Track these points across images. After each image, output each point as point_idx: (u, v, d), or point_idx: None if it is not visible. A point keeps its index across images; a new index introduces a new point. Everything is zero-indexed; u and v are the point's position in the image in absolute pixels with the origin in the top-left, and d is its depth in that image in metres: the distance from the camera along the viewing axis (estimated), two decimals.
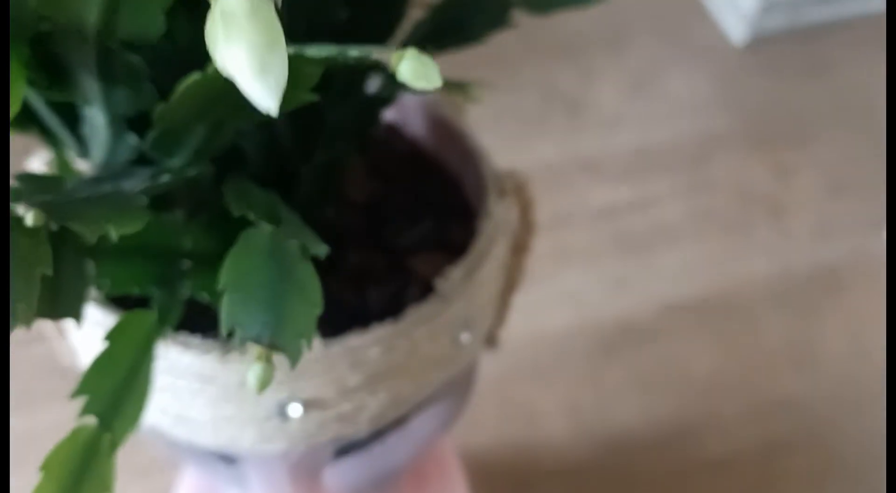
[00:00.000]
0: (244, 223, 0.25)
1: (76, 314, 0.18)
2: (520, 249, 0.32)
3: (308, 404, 0.25)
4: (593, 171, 0.81)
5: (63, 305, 0.17)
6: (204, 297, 0.23)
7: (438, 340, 0.26)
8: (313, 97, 0.17)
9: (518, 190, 0.29)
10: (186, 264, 0.23)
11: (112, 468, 0.19)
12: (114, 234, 0.15)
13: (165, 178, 0.18)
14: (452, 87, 0.23)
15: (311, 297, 0.16)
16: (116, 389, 0.19)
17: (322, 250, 0.18)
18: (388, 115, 0.35)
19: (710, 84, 0.91)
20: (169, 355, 0.24)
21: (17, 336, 0.17)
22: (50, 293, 0.17)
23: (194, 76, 0.15)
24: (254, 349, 0.16)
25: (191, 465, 0.33)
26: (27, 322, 0.16)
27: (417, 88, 0.15)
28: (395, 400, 0.26)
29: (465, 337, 0.27)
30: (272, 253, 0.17)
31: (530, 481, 0.61)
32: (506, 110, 0.87)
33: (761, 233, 0.77)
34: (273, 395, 0.24)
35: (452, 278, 0.26)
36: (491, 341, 0.35)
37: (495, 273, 0.29)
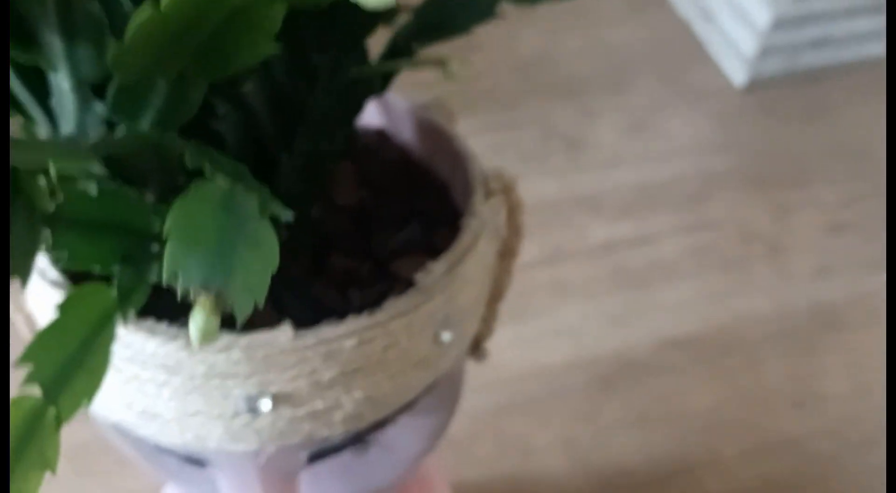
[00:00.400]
0: None
1: (23, 272, 0.17)
2: (507, 253, 0.31)
3: (278, 400, 0.24)
4: (592, 207, 0.81)
5: (12, 261, 0.16)
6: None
7: (417, 335, 0.25)
8: (275, 49, 0.17)
9: (506, 191, 0.29)
10: (155, 247, 0.22)
11: (56, 444, 0.18)
12: (52, 170, 0.15)
13: (121, 132, 0.18)
14: (431, 60, 0.23)
15: (266, 254, 0.16)
16: (66, 362, 0.18)
17: (286, 214, 0.17)
18: (378, 121, 0.35)
19: (709, 125, 0.91)
20: (134, 343, 0.23)
21: None
22: None
23: (145, 11, 0.14)
24: (198, 299, 0.15)
25: (160, 471, 0.32)
26: None
27: None
28: (371, 400, 0.26)
29: (446, 336, 0.26)
30: (226, 206, 0.16)
31: None
32: (505, 147, 0.88)
33: (760, 271, 0.76)
34: (241, 388, 0.24)
35: (433, 271, 0.25)
36: (477, 351, 0.35)
37: (480, 274, 0.28)
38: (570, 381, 0.67)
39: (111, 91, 0.18)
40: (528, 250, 0.76)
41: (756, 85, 0.96)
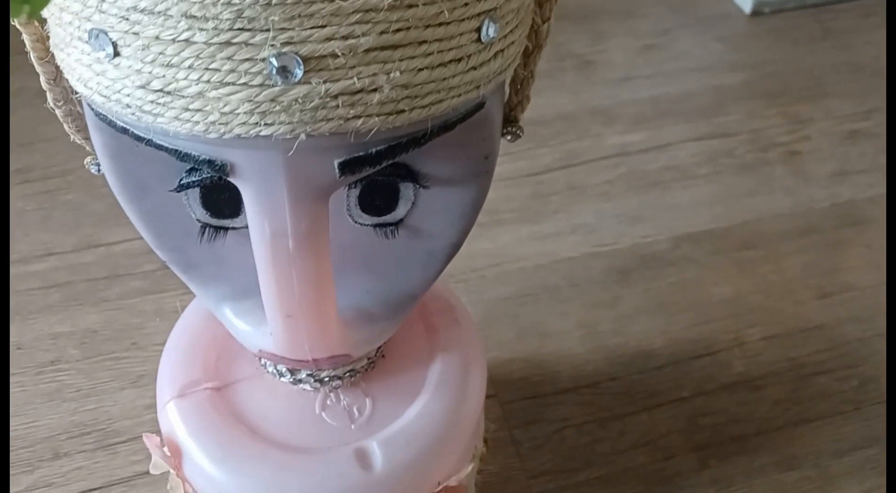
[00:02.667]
0: None
1: None
2: None
3: (311, 67, 0.23)
4: (606, 119, 0.80)
5: None
6: None
7: (461, 17, 0.24)
8: None
9: None
10: None
11: None
12: None
13: None
14: None
15: None
16: None
17: None
18: None
19: (720, 47, 0.90)
20: None
21: None
22: None
23: None
24: None
25: (172, 230, 0.31)
26: None
27: None
28: (409, 90, 0.24)
29: (490, 31, 0.25)
30: None
31: (545, 395, 0.57)
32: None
33: (779, 173, 0.75)
34: (271, 48, 0.22)
35: None
36: (511, 122, 0.33)
37: None
38: (587, 272, 0.66)
39: None
40: (543, 158, 0.75)
41: (764, 11, 0.95)
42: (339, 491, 0.35)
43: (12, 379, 0.58)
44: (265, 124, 0.24)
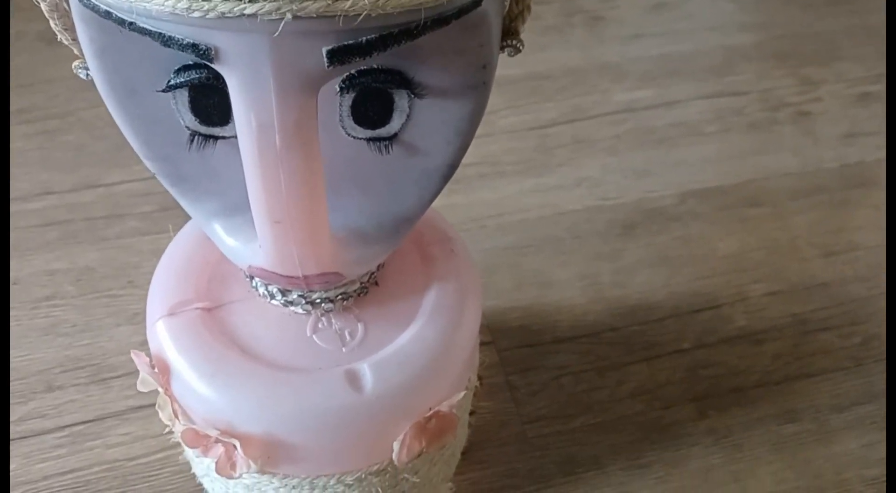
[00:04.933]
0: None
1: None
2: None
3: None
4: (615, 74, 0.79)
5: None
6: None
7: None
8: None
9: None
10: None
11: None
12: None
13: None
14: None
15: None
16: None
17: None
18: None
19: (731, 6, 0.89)
20: None
21: None
22: None
23: None
24: None
25: (159, 133, 0.30)
26: None
27: None
28: None
29: None
30: None
31: (543, 344, 0.57)
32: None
33: (788, 132, 0.74)
34: None
35: None
36: (511, 34, 0.32)
37: None
38: (590, 225, 0.65)
39: None
40: (549, 112, 0.74)
41: None
42: (329, 410, 0.34)
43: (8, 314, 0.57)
44: (249, 2, 0.23)
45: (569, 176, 0.69)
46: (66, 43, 0.31)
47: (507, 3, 0.32)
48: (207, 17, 0.23)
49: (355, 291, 0.38)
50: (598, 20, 0.85)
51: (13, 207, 0.64)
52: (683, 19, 0.86)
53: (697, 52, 0.82)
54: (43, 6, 0.29)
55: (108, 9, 0.25)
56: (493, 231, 0.64)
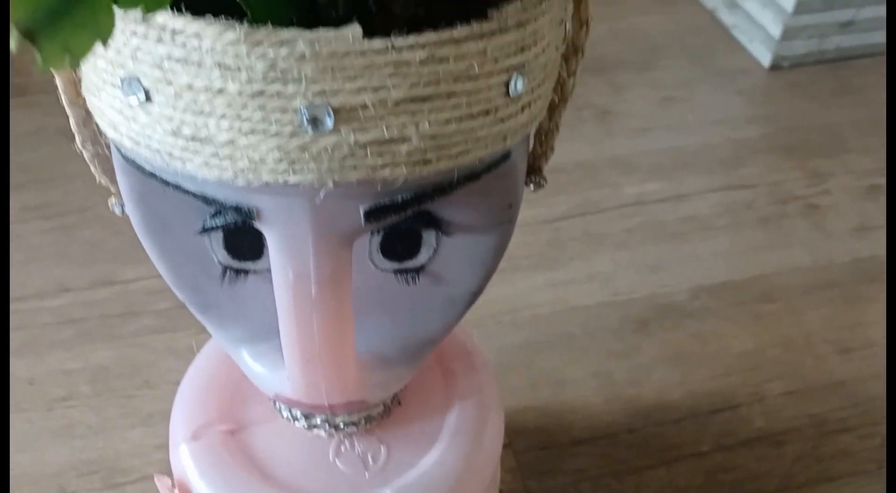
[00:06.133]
0: None
1: None
2: (573, 51, 0.30)
3: (341, 117, 0.23)
4: (625, 169, 0.80)
5: None
6: None
7: (490, 72, 0.24)
8: None
9: None
10: None
11: (110, 20, 0.16)
12: None
13: None
14: None
15: None
16: None
17: None
18: None
19: (738, 100, 0.91)
20: (189, 39, 0.22)
21: None
22: None
23: None
24: None
25: (193, 269, 0.31)
26: None
27: None
28: (437, 140, 0.24)
29: (517, 85, 0.25)
30: None
31: (560, 446, 0.56)
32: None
33: (799, 227, 0.74)
34: (302, 98, 0.22)
35: (507, 8, 0.24)
36: (535, 172, 0.33)
37: (551, 37, 0.27)
38: (603, 321, 0.65)
39: None
40: (560, 205, 0.75)
41: (784, 66, 0.96)
42: None
43: (22, 415, 0.57)
44: (294, 172, 0.24)
45: (581, 270, 0.69)
46: (103, 183, 0.32)
47: (532, 143, 0.33)
48: (252, 184, 0.24)
49: (379, 413, 0.38)
50: (607, 114, 0.87)
51: (28, 305, 0.64)
52: (691, 112, 0.88)
53: (706, 145, 0.83)
54: (85, 154, 0.30)
55: (152, 171, 0.26)
56: (508, 327, 0.64)
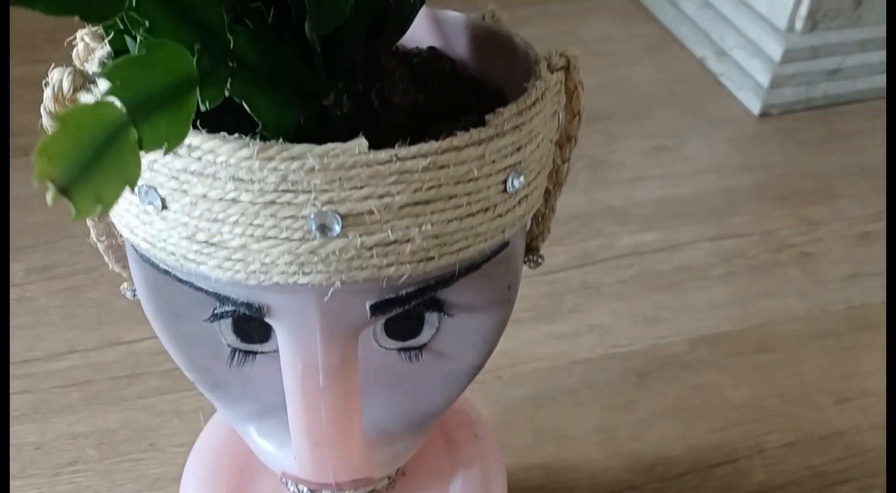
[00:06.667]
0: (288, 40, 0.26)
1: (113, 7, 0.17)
2: (566, 138, 0.31)
3: (349, 222, 0.24)
4: (620, 219, 0.81)
5: None
6: (244, 105, 0.23)
7: (488, 173, 0.25)
8: None
9: (568, 68, 0.29)
10: (230, 63, 0.23)
11: (137, 162, 0.17)
12: None
13: None
14: None
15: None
16: (149, 95, 0.18)
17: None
18: (430, 38, 0.36)
19: (729, 148, 0.92)
20: (205, 153, 0.23)
21: None
22: None
23: None
24: None
25: (203, 356, 0.32)
26: None
27: None
28: (440, 239, 0.25)
29: (515, 183, 0.26)
30: None
31: None
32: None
33: (792, 275, 0.76)
34: (312, 206, 0.23)
35: (503, 113, 0.26)
36: (532, 254, 0.34)
37: (545, 133, 0.28)
38: (604, 374, 0.66)
39: None
40: (558, 257, 0.77)
41: (773, 113, 0.98)
42: None
43: (29, 480, 0.58)
44: (303, 274, 0.25)
45: (580, 322, 0.70)
46: (116, 270, 0.33)
47: (528, 224, 0.34)
48: (263, 284, 0.25)
49: (384, 486, 0.38)
50: (600, 164, 0.89)
51: (37, 368, 0.65)
52: (683, 161, 0.89)
53: (698, 193, 0.85)
54: (99, 246, 0.31)
55: (167, 269, 0.27)
56: (509, 382, 0.65)
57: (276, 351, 0.31)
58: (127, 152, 0.17)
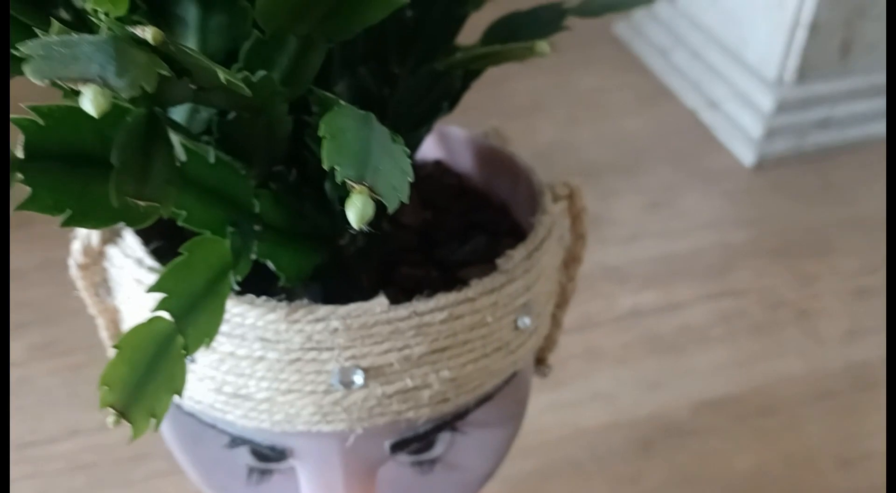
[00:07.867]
0: (316, 199, 0.26)
1: (164, 198, 0.18)
2: (572, 260, 0.32)
3: (370, 375, 0.24)
4: (618, 278, 0.82)
5: (152, 186, 0.17)
6: (269, 263, 0.24)
7: (501, 316, 0.26)
8: (405, 1, 0.19)
9: (571, 196, 0.30)
10: (257, 226, 0.23)
11: (183, 371, 0.18)
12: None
13: (258, 77, 0.18)
14: (518, 47, 0.25)
15: (402, 165, 0.17)
16: (193, 296, 0.19)
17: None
18: (436, 153, 0.37)
19: (724, 202, 0.94)
20: (234, 316, 0.24)
21: None
22: (140, 171, 0.17)
23: None
24: (354, 188, 0.16)
25: (224, 480, 0.32)
26: (130, 194, 0.17)
27: None
28: (457, 382, 0.26)
29: (525, 322, 0.27)
30: (365, 123, 0.17)
31: None
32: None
33: (791, 334, 0.76)
34: (336, 362, 0.24)
35: (514, 256, 0.26)
36: (541, 365, 0.35)
37: (552, 267, 0.29)
38: (609, 444, 0.66)
39: (244, 51, 0.20)
40: None
41: (766, 165, 0.99)
42: None
43: None
44: (327, 422, 0.25)
45: (583, 389, 0.71)
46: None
47: None
48: (287, 431, 0.26)
49: None
50: (597, 220, 0.89)
51: (41, 451, 0.65)
52: (678, 217, 0.90)
53: (695, 250, 0.86)
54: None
55: (191, 413, 0.27)
56: (516, 455, 0.65)
57: (294, 468, 0.31)
58: (175, 361, 0.18)
